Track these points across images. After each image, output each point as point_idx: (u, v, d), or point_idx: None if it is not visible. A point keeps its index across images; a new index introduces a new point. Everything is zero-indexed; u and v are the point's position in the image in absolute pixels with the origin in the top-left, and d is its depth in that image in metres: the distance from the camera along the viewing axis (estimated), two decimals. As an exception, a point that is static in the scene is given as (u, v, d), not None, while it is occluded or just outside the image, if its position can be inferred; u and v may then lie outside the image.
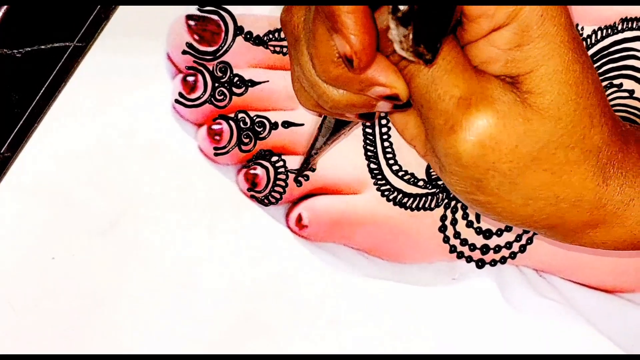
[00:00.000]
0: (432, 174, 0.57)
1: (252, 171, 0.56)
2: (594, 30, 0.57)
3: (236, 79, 0.56)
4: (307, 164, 0.54)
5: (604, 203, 0.40)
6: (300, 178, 0.56)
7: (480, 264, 0.57)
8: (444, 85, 0.38)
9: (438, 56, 0.37)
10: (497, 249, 0.58)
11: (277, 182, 0.56)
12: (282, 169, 0.56)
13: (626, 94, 0.57)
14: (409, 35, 0.35)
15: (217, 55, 0.55)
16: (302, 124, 0.56)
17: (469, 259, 0.57)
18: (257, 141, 0.56)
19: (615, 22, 0.57)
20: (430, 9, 0.35)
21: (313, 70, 0.39)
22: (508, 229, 0.58)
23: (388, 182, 0.57)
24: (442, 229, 0.57)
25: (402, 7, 0.34)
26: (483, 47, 0.38)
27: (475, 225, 0.57)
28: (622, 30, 0.57)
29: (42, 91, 0.53)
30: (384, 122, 0.56)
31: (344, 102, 0.40)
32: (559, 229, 0.41)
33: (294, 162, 0.56)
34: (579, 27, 0.57)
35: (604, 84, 0.57)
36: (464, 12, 0.37)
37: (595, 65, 0.57)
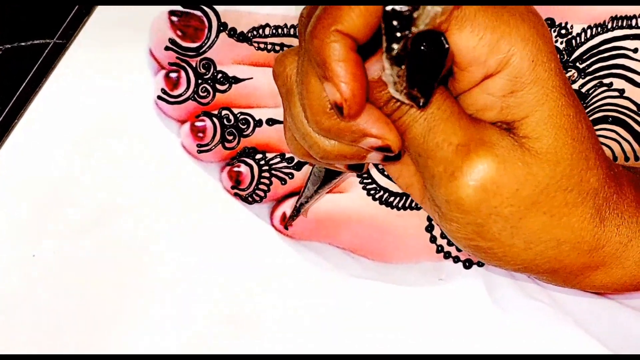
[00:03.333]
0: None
1: (235, 169, 0.56)
2: (583, 28, 0.56)
3: (220, 75, 0.55)
4: (298, 212, 0.54)
5: (603, 244, 0.41)
6: (285, 177, 0.56)
7: (468, 264, 0.57)
8: (442, 133, 0.38)
9: (431, 102, 0.38)
10: (485, 249, 0.57)
11: (261, 180, 0.56)
12: (266, 167, 0.56)
13: (616, 94, 0.57)
14: (404, 77, 0.36)
15: (201, 51, 0.55)
16: (287, 122, 0.56)
17: (456, 259, 0.57)
18: (241, 138, 0.56)
19: (605, 21, 0.56)
20: (424, 48, 0.35)
21: (305, 121, 0.40)
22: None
23: (374, 181, 0.56)
24: (429, 228, 0.57)
25: (395, 47, 0.35)
26: (477, 95, 0.39)
27: (462, 225, 0.57)
28: (612, 29, 0.56)
29: (21, 88, 0.53)
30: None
31: (335, 152, 0.41)
32: (560, 273, 0.42)
33: (277, 159, 0.56)
34: (569, 26, 0.56)
35: (594, 83, 0.56)
36: (455, 61, 0.38)
37: (585, 64, 0.56)
